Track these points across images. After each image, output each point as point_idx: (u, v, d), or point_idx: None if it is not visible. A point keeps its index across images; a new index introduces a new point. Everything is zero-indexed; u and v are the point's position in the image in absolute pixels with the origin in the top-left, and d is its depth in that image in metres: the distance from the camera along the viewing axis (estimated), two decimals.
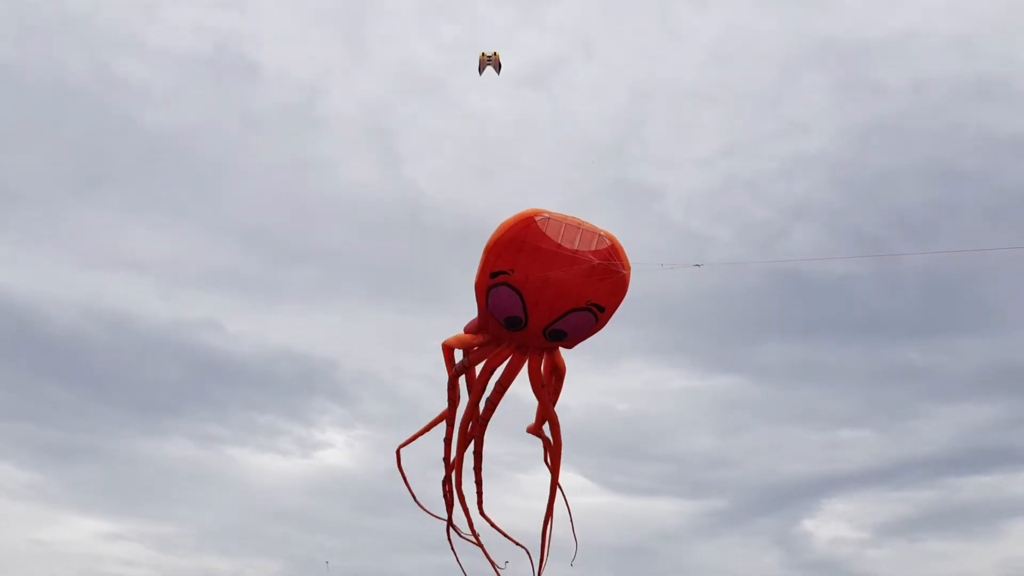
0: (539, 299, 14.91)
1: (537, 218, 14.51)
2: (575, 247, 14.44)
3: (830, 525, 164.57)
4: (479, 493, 19.22)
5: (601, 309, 15.14)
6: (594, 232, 14.68)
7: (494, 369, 16.79)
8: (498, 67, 30.58)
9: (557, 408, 18.59)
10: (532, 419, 18.25)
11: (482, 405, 17.81)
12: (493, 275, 15.02)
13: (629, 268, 14.89)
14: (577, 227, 14.63)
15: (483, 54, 30.43)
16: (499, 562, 19.69)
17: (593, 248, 14.52)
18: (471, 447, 19.49)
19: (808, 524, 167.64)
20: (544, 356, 16.77)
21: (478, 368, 17.82)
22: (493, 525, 19.36)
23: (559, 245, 14.42)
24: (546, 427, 18.83)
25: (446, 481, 19.29)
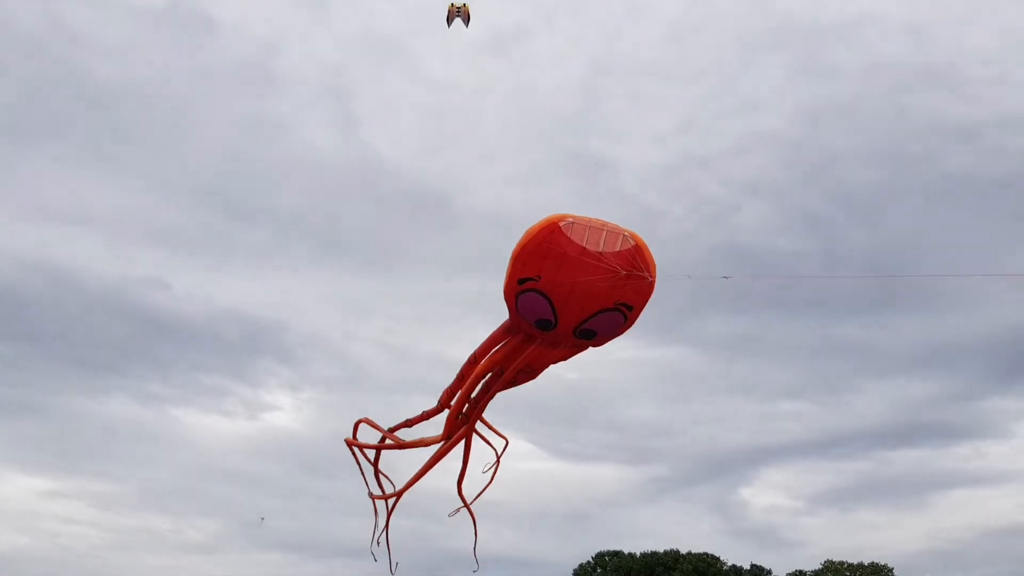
0: (568, 302, 15.09)
1: (561, 224, 14.55)
2: (600, 250, 14.52)
3: (766, 494, 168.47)
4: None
5: (630, 308, 15.38)
6: (618, 232, 14.72)
7: (521, 363, 17.09)
8: (467, 19, 30.30)
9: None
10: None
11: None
12: (521, 281, 15.13)
13: (654, 265, 14.96)
14: (601, 229, 14.64)
15: (452, 4, 30.18)
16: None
17: (618, 249, 14.59)
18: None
19: (745, 492, 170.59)
20: (569, 353, 17.07)
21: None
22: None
23: (584, 249, 14.48)
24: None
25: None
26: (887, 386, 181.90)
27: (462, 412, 18.63)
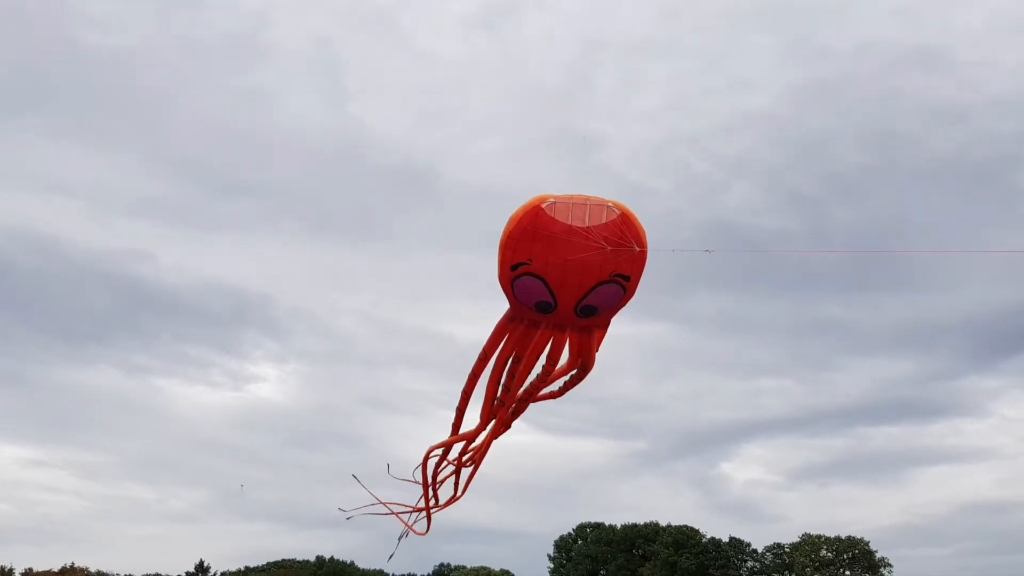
0: (564, 281, 15.03)
1: (543, 205, 14.50)
2: (586, 224, 14.44)
3: (746, 469, 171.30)
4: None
5: (626, 278, 15.21)
6: (602, 205, 14.64)
7: (537, 350, 17.05)
8: None
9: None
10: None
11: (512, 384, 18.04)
12: (513, 267, 15.07)
13: (643, 232, 14.82)
14: (584, 204, 14.58)
15: None
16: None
17: (604, 221, 14.51)
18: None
19: (726, 467, 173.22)
20: (578, 336, 16.89)
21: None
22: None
23: (570, 227, 14.40)
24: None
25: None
26: (867, 364, 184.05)
27: (497, 399, 18.27)
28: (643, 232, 14.80)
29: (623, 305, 16.00)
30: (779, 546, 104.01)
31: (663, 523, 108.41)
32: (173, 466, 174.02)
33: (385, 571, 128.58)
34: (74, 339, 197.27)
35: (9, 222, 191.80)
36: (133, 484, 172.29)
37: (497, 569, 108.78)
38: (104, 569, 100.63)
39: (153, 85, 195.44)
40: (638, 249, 14.62)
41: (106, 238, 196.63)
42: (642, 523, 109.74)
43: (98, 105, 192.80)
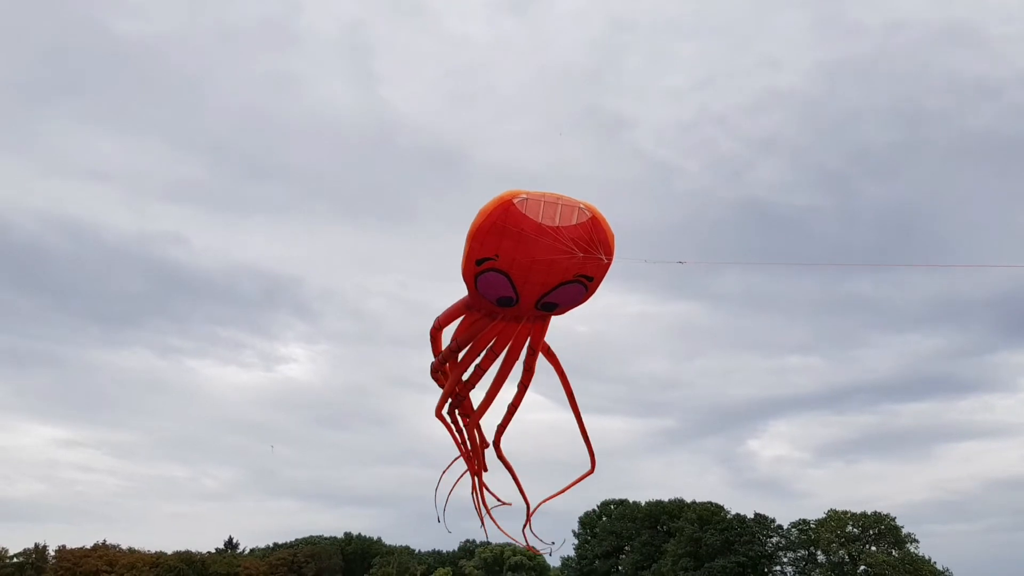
0: (528, 278, 15.05)
1: (515, 200, 14.37)
2: (556, 224, 14.30)
3: (773, 445, 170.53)
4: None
5: (590, 279, 15.42)
6: (573, 205, 14.50)
7: (488, 341, 17.35)
8: None
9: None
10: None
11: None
12: (479, 262, 15.11)
13: (612, 235, 14.81)
14: (555, 203, 14.45)
15: None
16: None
17: (574, 222, 14.41)
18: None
19: (753, 444, 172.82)
20: (538, 324, 17.09)
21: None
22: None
23: (540, 226, 14.27)
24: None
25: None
26: (896, 340, 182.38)
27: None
28: (612, 236, 14.78)
29: (583, 302, 16.11)
30: (805, 522, 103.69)
31: (689, 500, 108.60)
32: (205, 445, 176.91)
33: (411, 547, 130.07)
34: (108, 322, 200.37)
35: (44, 207, 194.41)
36: (166, 463, 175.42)
37: (522, 545, 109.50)
38: (136, 546, 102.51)
39: (185, 71, 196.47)
40: (605, 260, 14.65)
41: (140, 222, 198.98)
42: (667, 500, 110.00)
43: (131, 91, 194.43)
